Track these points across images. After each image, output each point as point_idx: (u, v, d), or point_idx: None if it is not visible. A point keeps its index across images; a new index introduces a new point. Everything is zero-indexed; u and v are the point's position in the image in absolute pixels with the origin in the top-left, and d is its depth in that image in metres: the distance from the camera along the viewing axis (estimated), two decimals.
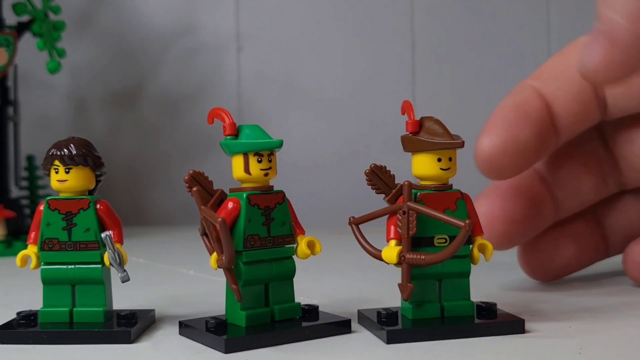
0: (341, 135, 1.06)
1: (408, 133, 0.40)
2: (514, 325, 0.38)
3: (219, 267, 0.37)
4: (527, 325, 0.39)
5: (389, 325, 0.38)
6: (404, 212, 0.38)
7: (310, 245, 0.40)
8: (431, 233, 0.39)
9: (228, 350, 0.35)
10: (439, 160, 0.39)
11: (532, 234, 0.49)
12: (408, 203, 0.38)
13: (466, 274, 0.39)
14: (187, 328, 0.39)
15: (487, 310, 0.39)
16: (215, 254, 0.37)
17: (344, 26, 1.06)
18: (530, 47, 1.04)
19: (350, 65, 1.07)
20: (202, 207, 0.38)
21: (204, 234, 0.38)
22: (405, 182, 0.39)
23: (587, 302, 0.46)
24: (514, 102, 0.46)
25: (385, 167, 0.41)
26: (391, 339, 0.37)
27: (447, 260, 0.38)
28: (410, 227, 0.38)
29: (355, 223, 0.40)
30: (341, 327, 0.39)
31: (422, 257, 0.37)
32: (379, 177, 0.41)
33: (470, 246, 0.39)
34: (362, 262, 0.52)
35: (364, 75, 1.06)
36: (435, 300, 0.39)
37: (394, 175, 0.41)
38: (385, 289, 0.46)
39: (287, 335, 0.37)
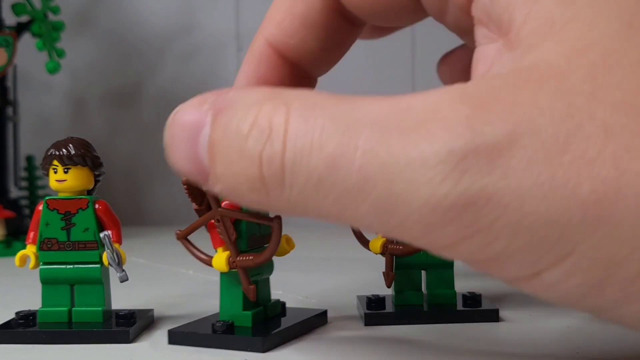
0: None
1: None
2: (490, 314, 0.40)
3: (231, 268, 0.37)
4: (527, 325, 0.39)
5: (376, 309, 0.41)
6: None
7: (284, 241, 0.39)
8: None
9: (266, 349, 0.35)
10: None
11: None
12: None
13: (449, 265, 0.41)
14: (183, 335, 0.37)
15: (472, 299, 0.41)
16: (226, 253, 0.37)
17: None
18: None
19: (349, 65, 1.06)
20: (220, 208, 0.37)
21: (184, 237, 0.39)
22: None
23: None
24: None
25: None
26: (369, 321, 0.40)
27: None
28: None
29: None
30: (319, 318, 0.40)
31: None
32: None
33: None
34: (356, 258, 0.52)
35: (364, 76, 1.06)
36: (420, 289, 0.42)
37: None
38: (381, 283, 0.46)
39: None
